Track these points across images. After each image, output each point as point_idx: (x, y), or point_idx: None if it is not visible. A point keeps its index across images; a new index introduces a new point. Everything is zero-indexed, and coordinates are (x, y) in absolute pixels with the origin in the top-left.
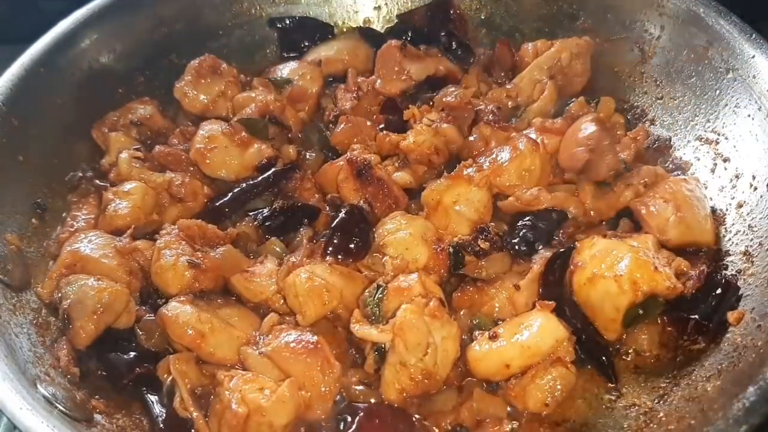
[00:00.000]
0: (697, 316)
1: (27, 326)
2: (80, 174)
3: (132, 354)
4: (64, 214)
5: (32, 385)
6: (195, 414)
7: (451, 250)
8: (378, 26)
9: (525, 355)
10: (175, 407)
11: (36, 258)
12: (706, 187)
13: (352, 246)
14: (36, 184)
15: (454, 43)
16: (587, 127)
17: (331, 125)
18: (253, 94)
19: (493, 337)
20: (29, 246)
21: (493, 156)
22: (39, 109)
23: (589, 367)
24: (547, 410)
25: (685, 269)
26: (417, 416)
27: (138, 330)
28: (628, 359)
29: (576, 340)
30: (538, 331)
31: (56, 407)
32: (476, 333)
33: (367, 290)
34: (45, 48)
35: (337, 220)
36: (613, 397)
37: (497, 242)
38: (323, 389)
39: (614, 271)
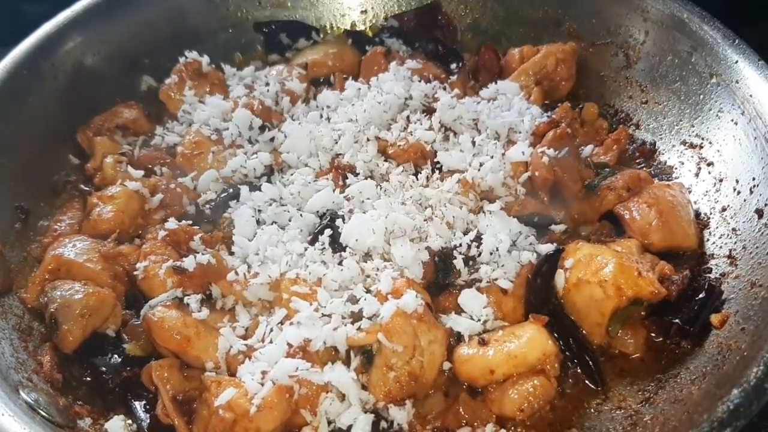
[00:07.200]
0: (678, 321)
1: (9, 331)
2: (64, 178)
3: (118, 358)
4: (47, 218)
5: (14, 390)
6: (177, 420)
7: (437, 259)
8: (365, 30)
9: (510, 363)
10: (157, 414)
11: (19, 262)
12: (690, 191)
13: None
14: (19, 187)
15: (441, 48)
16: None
17: None
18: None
19: (483, 342)
20: (12, 250)
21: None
22: (23, 111)
23: (576, 370)
24: (521, 416)
25: (668, 273)
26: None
27: (124, 334)
28: (614, 362)
29: (563, 345)
30: (527, 342)
31: (39, 413)
32: (466, 336)
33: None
34: (29, 50)
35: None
36: (599, 401)
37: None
38: None
39: (599, 276)
